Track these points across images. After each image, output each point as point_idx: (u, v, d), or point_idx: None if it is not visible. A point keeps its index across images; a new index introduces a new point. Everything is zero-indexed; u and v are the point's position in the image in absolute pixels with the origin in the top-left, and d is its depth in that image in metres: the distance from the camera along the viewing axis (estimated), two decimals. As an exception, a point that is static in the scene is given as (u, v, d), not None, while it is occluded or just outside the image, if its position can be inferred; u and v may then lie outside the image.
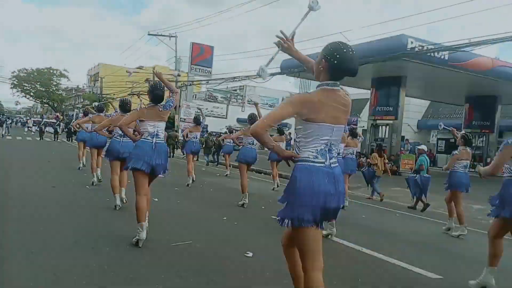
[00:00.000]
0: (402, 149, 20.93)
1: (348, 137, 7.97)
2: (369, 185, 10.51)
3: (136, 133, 5.21)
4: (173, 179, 10.50)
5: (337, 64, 2.34)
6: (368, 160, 10.43)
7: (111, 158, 6.36)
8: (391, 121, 20.32)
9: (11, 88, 56.91)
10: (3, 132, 29.11)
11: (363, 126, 24.65)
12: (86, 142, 10.15)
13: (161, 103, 4.64)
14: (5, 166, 11.10)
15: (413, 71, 18.68)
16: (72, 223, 5.24)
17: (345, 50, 2.33)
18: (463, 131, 7.18)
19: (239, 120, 36.87)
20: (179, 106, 31.05)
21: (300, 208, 2.34)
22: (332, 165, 2.42)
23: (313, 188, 2.32)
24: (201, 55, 32.05)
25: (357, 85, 25.13)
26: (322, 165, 2.38)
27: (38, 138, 28.74)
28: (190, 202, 7.80)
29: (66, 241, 4.40)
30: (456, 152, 6.63)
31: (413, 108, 31.11)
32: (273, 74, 21.52)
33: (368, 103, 22.37)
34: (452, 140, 26.96)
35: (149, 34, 33.25)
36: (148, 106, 4.68)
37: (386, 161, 11.45)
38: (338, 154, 5.70)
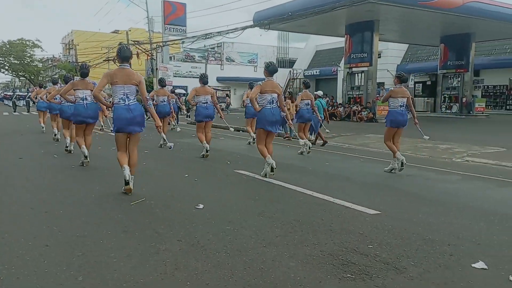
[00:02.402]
0: (378, 95, 21.10)
1: (303, 89, 9.48)
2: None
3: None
4: (145, 143, 10.62)
5: None
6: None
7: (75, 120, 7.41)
8: (366, 68, 20.35)
9: (-16, 63, 55.28)
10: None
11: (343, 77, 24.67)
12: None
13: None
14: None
15: (384, 14, 18.53)
16: (30, 192, 5.38)
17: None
18: (398, 73, 7.73)
19: (218, 79, 36.49)
20: (156, 69, 30.59)
21: None
22: None
23: None
24: (174, 14, 31.17)
25: (333, 33, 24.89)
26: None
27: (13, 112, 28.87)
28: (156, 162, 7.96)
29: (21, 208, 4.55)
30: (391, 88, 7.19)
31: (391, 53, 31.05)
32: (245, 28, 21.17)
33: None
34: (429, 83, 27.29)
35: (118, -4, 32.10)
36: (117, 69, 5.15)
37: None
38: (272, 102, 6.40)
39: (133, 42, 31.89)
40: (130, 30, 35.49)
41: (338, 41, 28.77)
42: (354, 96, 21.49)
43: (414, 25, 21.26)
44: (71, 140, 8.79)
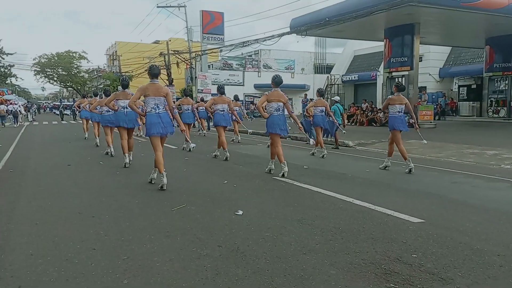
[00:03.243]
0: (419, 100, 20.47)
1: (318, 97, 10.25)
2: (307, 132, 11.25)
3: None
4: (185, 151, 10.88)
5: None
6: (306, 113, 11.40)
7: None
8: (406, 72, 19.82)
9: (35, 75, 58.48)
10: (30, 118, 30.60)
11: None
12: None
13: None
14: (27, 149, 11.72)
15: (425, 17, 17.99)
16: (79, 197, 5.62)
17: None
18: (396, 82, 8.72)
19: (256, 86, 36.73)
20: (195, 77, 31.21)
21: None
22: None
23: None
24: (212, 23, 31.69)
25: (371, 38, 24.47)
26: None
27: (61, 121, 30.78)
28: (196, 169, 8.11)
29: (70, 213, 4.78)
30: (390, 96, 7.90)
31: (433, 56, 30.08)
32: (282, 35, 21.22)
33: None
34: (474, 87, 26.18)
35: (158, 7, 33.10)
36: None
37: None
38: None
39: (173, 52, 32.77)
40: (170, 40, 36.34)
41: (377, 45, 28.21)
42: (395, 101, 20.95)
43: (457, 27, 20.51)
44: (108, 144, 10.00)
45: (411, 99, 19.89)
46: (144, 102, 6.16)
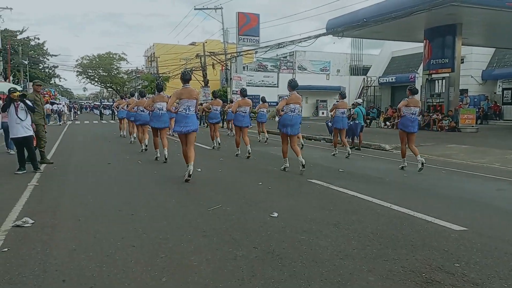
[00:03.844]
0: (460, 103, 19.76)
1: (340, 100, 10.57)
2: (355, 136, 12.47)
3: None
4: (221, 152, 11.01)
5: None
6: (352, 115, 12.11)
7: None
8: (447, 74, 19.19)
9: (77, 75, 60.81)
10: (72, 118, 31.95)
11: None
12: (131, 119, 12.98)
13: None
14: (69, 147, 12.21)
15: (468, 17, 17.36)
16: (118, 195, 5.79)
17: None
18: (409, 86, 8.71)
19: (290, 87, 36.55)
20: (230, 79, 31.51)
21: None
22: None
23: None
24: (248, 24, 31.92)
25: (410, 38, 23.86)
26: None
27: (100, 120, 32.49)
28: (230, 170, 8.17)
29: (110, 210, 4.93)
30: (406, 99, 8.31)
31: (476, 57, 28.96)
32: (318, 36, 21.06)
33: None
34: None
35: (195, 9, 33.68)
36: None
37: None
38: None
39: (209, 53, 33.21)
40: (206, 42, 36.88)
41: (416, 47, 27.49)
42: (434, 104, 20.31)
43: (501, 28, 19.62)
44: (141, 142, 11.10)
45: (452, 102, 19.29)
46: (177, 103, 6.99)
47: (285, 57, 40.53)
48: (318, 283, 2.88)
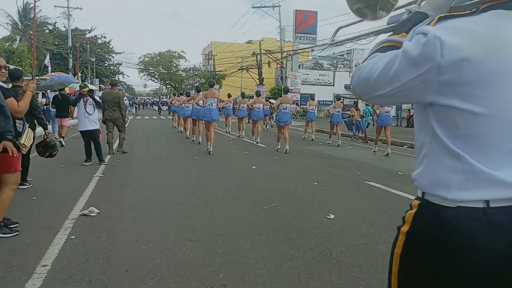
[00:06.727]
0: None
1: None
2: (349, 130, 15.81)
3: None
4: (272, 149, 11.02)
5: None
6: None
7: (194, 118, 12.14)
8: None
9: (139, 72, 63.56)
10: (133, 112, 33.75)
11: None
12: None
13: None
14: (131, 140, 12.76)
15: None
16: (177, 189, 5.96)
17: None
18: None
19: (346, 87, 35.77)
20: (285, 77, 31.44)
21: None
22: None
23: None
24: (305, 22, 31.67)
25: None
26: None
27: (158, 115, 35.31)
28: (285, 169, 8.13)
29: (170, 203, 5.08)
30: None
31: None
32: (378, 33, 20.40)
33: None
34: None
35: (253, 7, 33.95)
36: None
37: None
38: None
39: (265, 52, 33.33)
40: (262, 40, 37.04)
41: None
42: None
43: None
44: (193, 133, 12.72)
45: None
46: (204, 101, 9.94)
47: (342, 55, 39.77)
48: (378, 290, 2.78)
